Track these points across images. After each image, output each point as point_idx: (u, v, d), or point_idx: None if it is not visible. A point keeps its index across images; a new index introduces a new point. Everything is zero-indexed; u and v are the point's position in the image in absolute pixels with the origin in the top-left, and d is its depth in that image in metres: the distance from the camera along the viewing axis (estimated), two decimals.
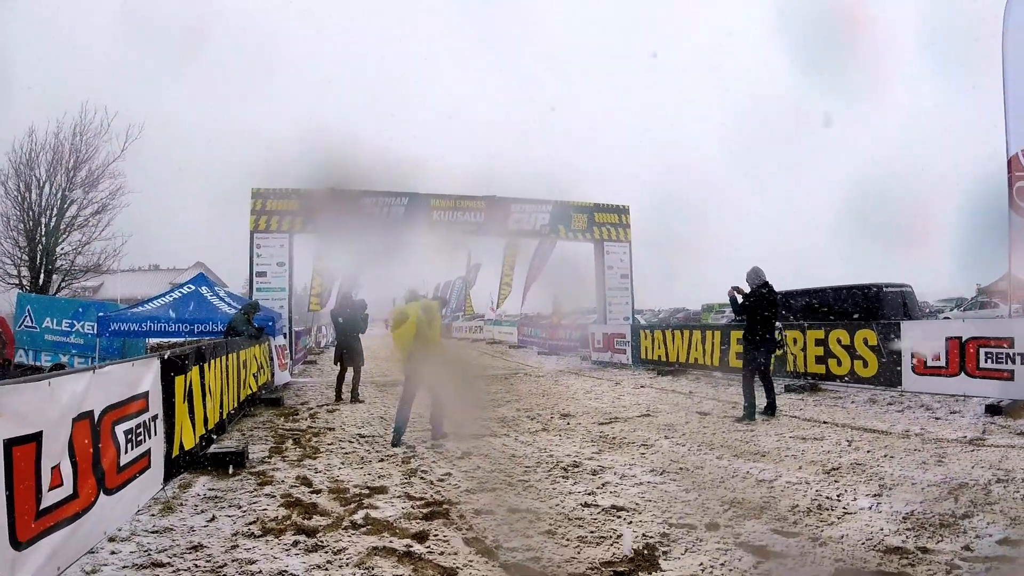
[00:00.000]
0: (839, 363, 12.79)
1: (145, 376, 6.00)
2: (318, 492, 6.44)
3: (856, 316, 14.94)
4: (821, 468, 7.03)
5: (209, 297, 16.49)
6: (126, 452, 5.34)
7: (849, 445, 8.13)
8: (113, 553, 4.76)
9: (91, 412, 4.72)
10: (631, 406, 12.17)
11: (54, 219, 24.44)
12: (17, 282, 24.59)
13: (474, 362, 24.78)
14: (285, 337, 18.47)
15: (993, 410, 9.53)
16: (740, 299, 10.33)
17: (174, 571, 4.44)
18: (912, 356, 11.43)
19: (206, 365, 8.21)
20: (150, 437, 5.92)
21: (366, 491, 6.44)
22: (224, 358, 9.55)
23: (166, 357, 6.68)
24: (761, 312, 10.17)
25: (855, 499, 5.86)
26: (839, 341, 12.79)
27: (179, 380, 6.91)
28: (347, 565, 4.54)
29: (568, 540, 5.07)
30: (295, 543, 4.94)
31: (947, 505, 5.56)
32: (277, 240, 19.94)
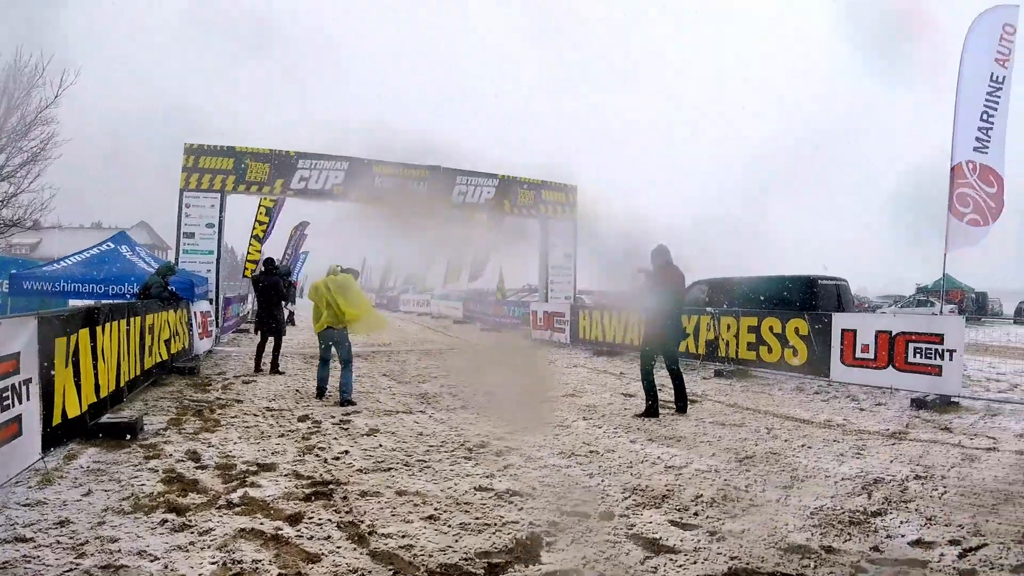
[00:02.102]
0: (770, 350, 12.71)
1: (17, 336, 5.44)
2: (204, 468, 6.12)
3: (790, 306, 14.87)
4: (735, 456, 6.75)
5: (129, 256, 15.50)
6: None
7: (768, 433, 7.90)
8: None
9: None
10: (558, 385, 11.90)
11: None
12: None
13: (413, 336, 24.29)
14: (211, 303, 17.75)
15: (919, 404, 9.51)
16: (643, 280, 9.53)
17: (35, 547, 4.20)
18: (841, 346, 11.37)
19: (99, 328, 7.65)
20: (20, 402, 5.40)
21: (253, 468, 6.13)
22: (125, 321, 8.93)
23: (43, 316, 6.11)
24: (664, 296, 9.31)
25: (763, 490, 5.56)
26: (771, 329, 12.71)
27: (60, 343, 6.35)
28: (209, 547, 4.26)
29: (450, 527, 4.71)
30: (163, 521, 4.67)
31: (860, 501, 5.27)
32: (208, 200, 18.89)
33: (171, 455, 6.51)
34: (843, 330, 11.36)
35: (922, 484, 5.74)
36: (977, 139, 11.45)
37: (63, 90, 22.70)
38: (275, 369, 12.92)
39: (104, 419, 7.37)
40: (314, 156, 19.81)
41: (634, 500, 5.31)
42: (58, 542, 4.28)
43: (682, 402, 9.29)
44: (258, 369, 13.03)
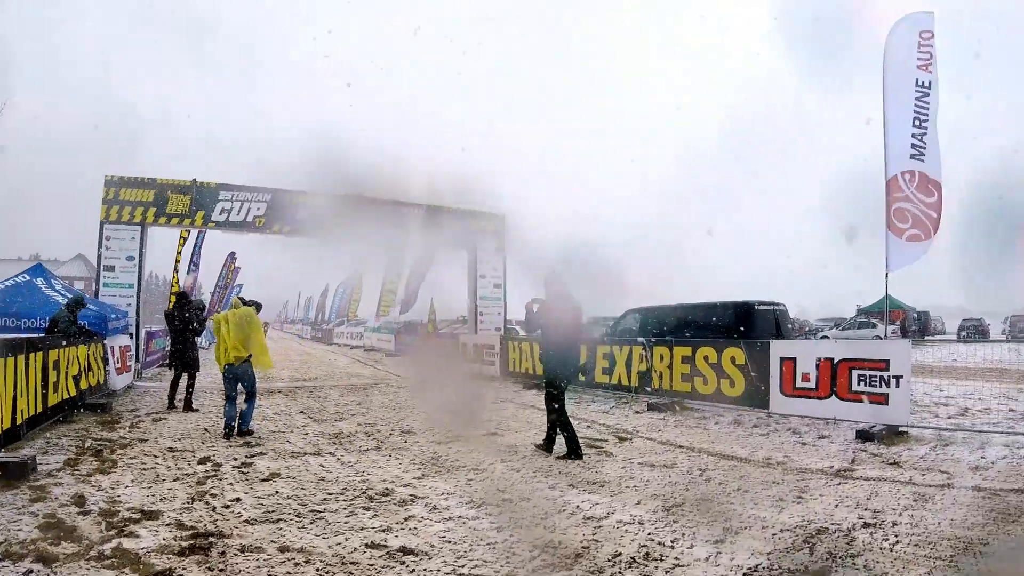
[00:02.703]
0: (705, 382, 12.18)
1: None
2: (87, 514, 5.74)
3: (727, 334, 14.43)
4: (662, 504, 6.16)
5: (44, 289, 14.94)
6: None
7: (701, 475, 7.35)
8: None
9: None
10: (480, 423, 11.11)
11: None
12: None
13: (341, 370, 23.57)
14: (132, 337, 17.18)
15: (864, 436, 9.03)
16: (535, 310, 8.95)
17: None
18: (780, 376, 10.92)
19: None
20: None
21: (136, 516, 5.71)
22: (23, 357, 8.57)
23: None
24: (555, 328, 8.72)
25: (691, 546, 4.99)
26: (706, 359, 12.20)
27: None
28: None
29: None
30: (28, 572, 4.43)
31: (800, 557, 4.72)
32: (128, 232, 18.47)
33: (57, 498, 6.18)
34: (782, 358, 10.90)
35: (871, 533, 5.21)
36: (913, 146, 11.36)
37: None
38: (188, 407, 12.37)
39: None
40: (236, 188, 19.48)
41: (543, 560, 4.73)
42: None
43: (573, 450, 8.42)
44: (171, 406, 12.52)
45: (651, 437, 9.77)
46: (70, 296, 14.61)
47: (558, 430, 8.52)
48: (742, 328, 14.39)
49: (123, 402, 13.14)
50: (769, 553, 4.80)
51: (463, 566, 4.60)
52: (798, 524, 5.48)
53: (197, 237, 23.52)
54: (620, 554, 4.85)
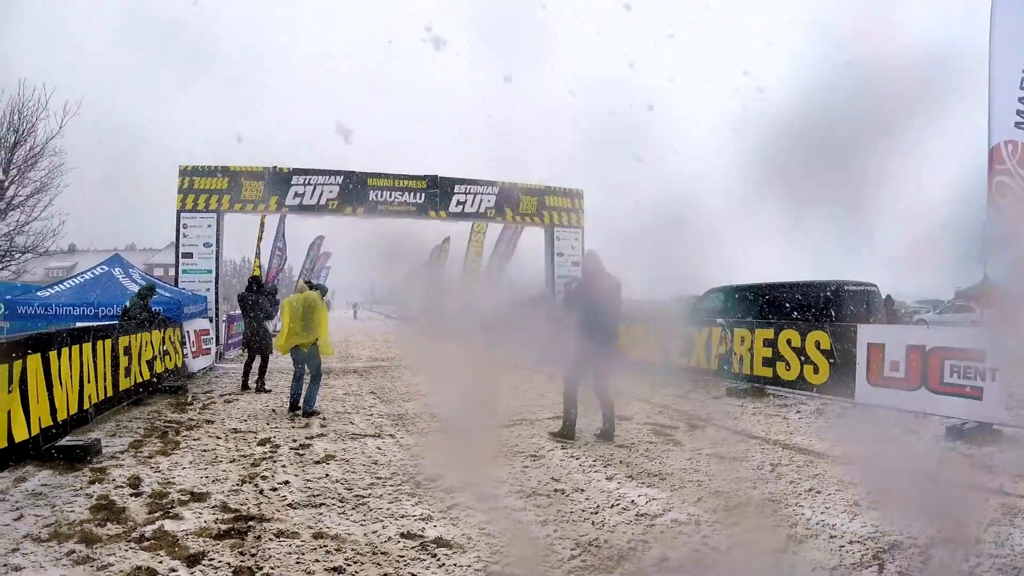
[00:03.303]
0: (788, 367, 11.41)
1: None
2: (138, 495, 5.85)
3: (813, 315, 13.59)
4: (725, 503, 5.65)
5: (121, 279, 15.74)
6: None
7: (772, 471, 6.73)
8: None
9: None
10: (549, 406, 10.51)
11: None
12: None
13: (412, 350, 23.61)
14: (211, 321, 17.63)
15: (955, 434, 8.19)
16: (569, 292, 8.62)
17: None
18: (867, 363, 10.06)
19: (52, 353, 7.54)
20: None
21: (186, 497, 5.79)
22: (89, 345, 8.77)
23: None
24: (592, 308, 8.35)
25: (747, 555, 4.57)
26: (789, 342, 11.43)
27: (0, 369, 6.35)
28: None
29: None
30: (70, 552, 4.53)
31: None
32: (205, 220, 18.96)
33: (114, 480, 6.31)
34: (870, 344, 10.02)
35: (951, 552, 4.54)
36: (1019, 112, 9.87)
37: (67, 120, 23.19)
38: (261, 388, 12.61)
39: (63, 442, 7.29)
40: (309, 172, 19.68)
41: (582, 561, 4.39)
42: None
43: (608, 431, 8.24)
44: (245, 387, 12.76)
45: (725, 425, 9.23)
46: (143, 283, 15.15)
47: (564, 406, 8.36)
48: (830, 310, 13.53)
49: (199, 384, 13.50)
50: (833, 569, 4.28)
51: (496, 563, 4.33)
52: (870, 535, 4.87)
53: (279, 222, 23.93)
54: (668, 559, 4.45)
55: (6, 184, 23.16)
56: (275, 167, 19.37)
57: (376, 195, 19.89)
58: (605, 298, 8.32)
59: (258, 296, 13.19)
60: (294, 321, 9.86)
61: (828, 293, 13.94)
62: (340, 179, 19.66)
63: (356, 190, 19.76)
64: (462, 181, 20.82)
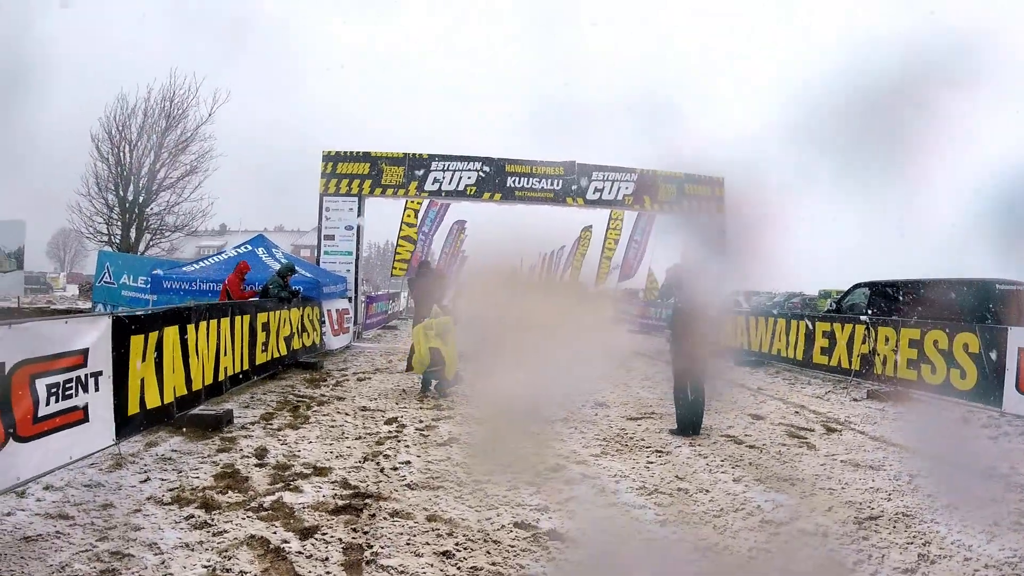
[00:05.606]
0: (933, 370, 10.47)
1: (86, 333, 5.80)
2: (263, 466, 6.06)
3: (962, 316, 12.53)
4: (856, 515, 5.23)
5: (264, 258, 16.24)
6: (47, 404, 5.20)
7: (909, 482, 6.18)
8: (38, 500, 4.87)
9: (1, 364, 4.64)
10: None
11: (143, 180, 24.94)
12: (107, 239, 25.22)
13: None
14: (350, 301, 18.23)
15: None
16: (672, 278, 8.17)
17: (71, 524, 4.45)
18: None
19: (190, 326, 7.94)
20: (85, 392, 5.69)
21: (308, 471, 5.96)
22: (226, 320, 9.19)
23: (118, 317, 6.47)
24: (688, 298, 7.97)
25: (874, 573, 4.15)
26: (936, 344, 10.50)
27: (136, 340, 6.60)
28: (211, 550, 4.18)
29: (458, 569, 4.00)
30: (189, 517, 4.70)
31: None
32: (346, 203, 19.61)
33: (241, 450, 6.55)
34: (1020, 349, 9.09)
35: None
36: None
37: (217, 107, 24.30)
38: (410, 367, 12.56)
39: (196, 410, 7.68)
40: (447, 158, 19.93)
41: (698, 567, 4.18)
42: (92, 523, 4.48)
43: (695, 424, 8.01)
44: (409, 368, 12.48)
45: (863, 430, 8.62)
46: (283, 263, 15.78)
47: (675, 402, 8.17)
48: (981, 311, 12.47)
49: (335, 362, 13.87)
50: None
51: (608, 561, 4.20)
52: (1007, 560, 4.37)
53: (427, 207, 23.99)
54: (789, 571, 4.21)
55: (158, 167, 24.55)
56: (414, 153, 19.73)
57: (514, 181, 19.96)
58: (701, 288, 7.88)
59: (428, 279, 13.08)
60: (421, 346, 10.02)
61: (978, 291, 12.87)
62: (478, 165, 19.80)
63: (494, 176, 19.89)
64: (600, 168, 20.51)
